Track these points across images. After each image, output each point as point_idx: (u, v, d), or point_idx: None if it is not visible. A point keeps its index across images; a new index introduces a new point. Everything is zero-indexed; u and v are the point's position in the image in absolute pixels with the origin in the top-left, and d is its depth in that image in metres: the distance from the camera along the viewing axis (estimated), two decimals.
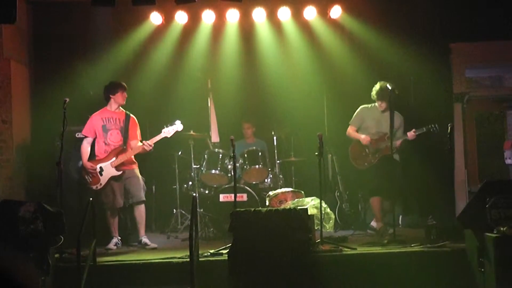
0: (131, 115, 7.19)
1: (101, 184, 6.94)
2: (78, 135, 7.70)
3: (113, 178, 6.96)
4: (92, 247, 5.65)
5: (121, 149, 6.98)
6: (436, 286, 5.63)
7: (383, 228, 7.29)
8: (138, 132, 7.22)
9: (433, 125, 7.07)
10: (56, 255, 5.93)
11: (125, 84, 7.17)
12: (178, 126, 7.06)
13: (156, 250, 6.79)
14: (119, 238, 7.13)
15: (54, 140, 7.41)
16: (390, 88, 6.89)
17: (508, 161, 8.99)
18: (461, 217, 6.30)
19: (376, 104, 7.42)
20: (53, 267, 5.61)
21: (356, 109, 7.58)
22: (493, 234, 5.48)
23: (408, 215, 7.98)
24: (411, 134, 7.19)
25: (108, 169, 6.93)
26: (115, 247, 7.00)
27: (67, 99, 6.51)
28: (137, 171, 7.14)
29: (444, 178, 7.77)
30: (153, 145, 6.95)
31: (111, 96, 7.09)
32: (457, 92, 8.93)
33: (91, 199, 5.82)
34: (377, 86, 7.34)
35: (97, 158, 7.04)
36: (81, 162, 7.24)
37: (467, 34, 8.62)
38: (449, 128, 6.65)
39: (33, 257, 5.44)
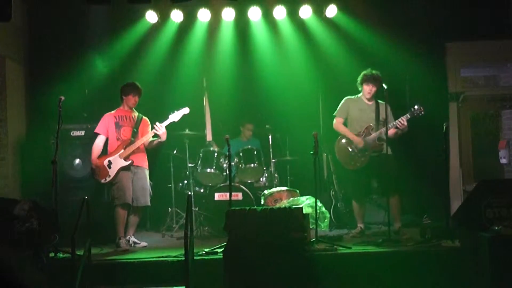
0: (144, 116, 7.23)
1: (110, 176, 6.87)
2: (73, 133, 7.71)
3: (122, 169, 6.90)
4: (87, 245, 5.64)
5: (130, 142, 6.98)
6: (431, 285, 5.63)
7: (359, 229, 7.30)
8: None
9: (414, 108, 6.88)
10: (51, 254, 5.92)
11: (140, 88, 7.16)
12: (185, 109, 7.14)
13: (152, 249, 6.76)
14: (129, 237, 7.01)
15: (49, 138, 7.40)
16: (385, 87, 6.81)
17: (503, 161, 9.01)
18: (456, 216, 6.33)
19: (363, 92, 7.25)
20: (48, 265, 5.60)
21: None
22: (488, 233, 5.51)
23: (403, 215, 7.97)
24: (399, 123, 6.89)
25: (116, 161, 6.90)
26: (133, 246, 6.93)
27: (62, 98, 6.53)
28: (147, 172, 7.11)
29: (439, 177, 7.77)
30: (165, 131, 6.95)
31: (123, 97, 7.14)
32: (452, 91, 8.96)
33: (86, 197, 5.81)
34: (362, 74, 7.23)
35: (108, 153, 7.01)
36: (76, 161, 7.22)
37: (462, 33, 8.64)
38: (444, 127, 6.65)
39: (28, 255, 5.44)
